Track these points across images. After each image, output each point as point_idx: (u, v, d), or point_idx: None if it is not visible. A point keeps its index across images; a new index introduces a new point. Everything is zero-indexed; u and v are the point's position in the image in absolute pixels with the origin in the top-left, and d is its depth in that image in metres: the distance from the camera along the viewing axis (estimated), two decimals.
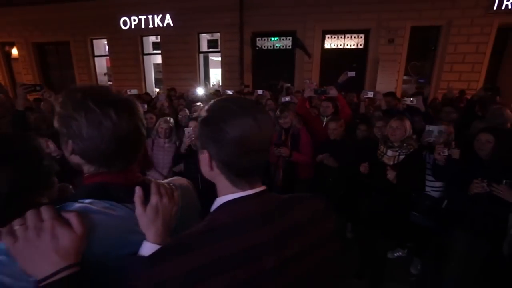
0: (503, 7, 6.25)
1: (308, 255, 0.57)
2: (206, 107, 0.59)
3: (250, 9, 7.67)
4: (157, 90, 10.05)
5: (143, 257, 0.53)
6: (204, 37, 8.92)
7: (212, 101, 0.60)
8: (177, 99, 5.35)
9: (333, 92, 2.66)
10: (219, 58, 9.10)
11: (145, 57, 9.58)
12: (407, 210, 2.20)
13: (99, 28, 9.30)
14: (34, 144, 0.72)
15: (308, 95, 2.93)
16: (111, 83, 10.34)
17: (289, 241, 0.56)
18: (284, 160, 2.46)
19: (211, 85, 10.10)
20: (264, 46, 8.11)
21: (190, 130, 2.17)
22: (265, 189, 0.59)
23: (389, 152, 2.13)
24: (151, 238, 0.57)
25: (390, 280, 2.33)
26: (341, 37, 7.74)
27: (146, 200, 0.59)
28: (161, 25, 8.68)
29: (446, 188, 2.23)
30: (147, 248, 0.56)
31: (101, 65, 10.39)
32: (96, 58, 10.11)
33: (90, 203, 0.57)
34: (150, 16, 8.70)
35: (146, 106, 3.45)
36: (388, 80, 7.16)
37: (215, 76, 10.26)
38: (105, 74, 10.54)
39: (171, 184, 0.68)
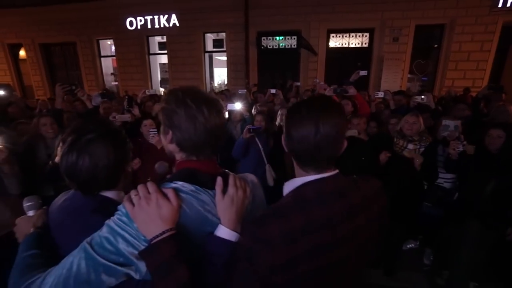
0: (508, 5, 6.32)
1: (371, 224, 0.69)
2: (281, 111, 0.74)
3: (255, 9, 7.76)
4: (163, 90, 10.17)
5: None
6: (210, 37, 9.01)
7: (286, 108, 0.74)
8: None
9: (352, 91, 2.74)
10: (223, 57, 9.20)
11: (151, 57, 9.68)
12: (420, 202, 2.32)
13: (105, 29, 9.40)
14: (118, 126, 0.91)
15: (329, 94, 3.00)
16: (116, 83, 10.47)
17: (358, 213, 0.67)
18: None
19: (216, 85, 10.19)
20: (269, 46, 8.20)
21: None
22: (338, 172, 0.71)
23: (410, 146, 2.25)
24: (225, 222, 0.67)
25: (404, 269, 2.45)
26: (345, 36, 7.83)
27: (224, 189, 0.70)
28: (167, 25, 8.77)
29: (458, 180, 2.34)
30: (222, 231, 0.67)
31: (108, 65, 10.49)
32: (102, 59, 10.21)
33: (181, 185, 0.68)
34: (156, 16, 8.79)
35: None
36: (392, 78, 7.25)
37: (219, 75, 10.35)
38: (111, 74, 10.65)
39: (244, 179, 0.79)
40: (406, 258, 2.62)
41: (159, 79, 10.27)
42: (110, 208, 0.73)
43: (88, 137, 0.75)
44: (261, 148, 2.52)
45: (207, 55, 9.19)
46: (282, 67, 8.21)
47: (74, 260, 0.61)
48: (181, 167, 0.74)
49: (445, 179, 2.38)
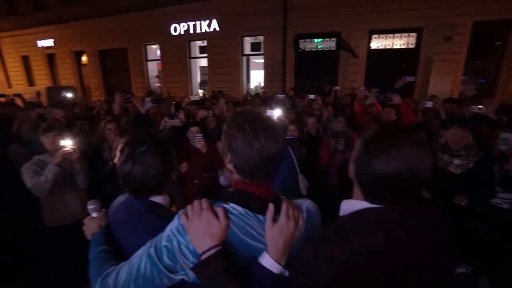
0: None
1: (436, 255, 0.66)
2: (370, 133, 0.70)
3: (294, 12, 7.73)
4: (201, 91, 10.66)
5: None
6: (247, 40, 9.21)
7: (374, 130, 0.69)
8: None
9: (397, 99, 2.60)
10: (259, 60, 9.33)
11: (191, 60, 10.21)
12: (470, 221, 2.11)
13: (152, 35, 10.17)
14: (163, 137, 1.02)
15: (370, 102, 2.91)
16: (160, 84, 11.25)
17: (421, 243, 0.64)
18: (340, 163, 2.52)
19: (252, 87, 10.36)
20: (307, 48, 8.11)
21: None
22: (401, 202, 0.68)
23: (456, 161, 2.07)
24: (270, 252, 0.67)
25: None
26: (389, 37, 7.39)
27: (276, 216, 0.69)
28: (207, 30, 9.18)
29: None
30: (265, 259, 0.67)
31: (153, 68, 11.33)
32: (148, 62, 11.07)
33: (232, 206, 0.72)
34: (198, 22, 9.26)
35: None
36: (442, 82, 6.64)
37: (256, 77, 10.51)
38: (156, 76, 11.47)
39: (299, 207, 0.77)
40: (457, 284, 2.39)
41: (199, 81, 10.78)
42: (160, 211, 0.90)
43: (141, 149, 0.87)
44: (294, 158, 2.53)
45: (244, 58, 9.40)
46: (319, 70, 8.05)
47: (141, 263, 0.71)
48: (236, 187, 0.77)
49: (503, 199, 2.13)
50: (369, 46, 7.56)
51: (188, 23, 9.40)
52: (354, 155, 0.72)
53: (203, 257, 0.65)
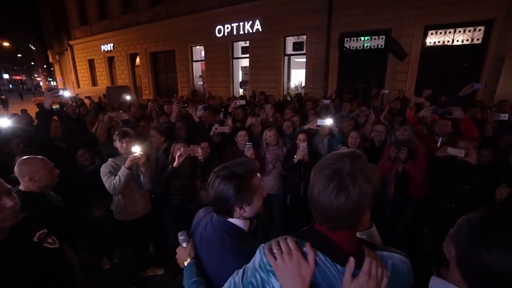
0: None
1: None
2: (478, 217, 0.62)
3: (340, 10, 7.43)
4: (241, 90, 10.92)
5: None
6: (290, 40, 9.13)
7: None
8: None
9: (458, 113, 2.36)
10: (301, 59, 9.18)
11: (234, 60, 10.50)
12: None
13: (198, 37, 10.70)
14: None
15: (424, 115, 2.69)
16: (202, 83, 11.81)
17: None
18: (397, 174, 2.41)
19: (293, 86, 10.28)
20: (353, 47, 7.74)
21: (305, 145, 2.40)
22: None
23: None
24: None
25: None
26: (449, 32, 6.66)
27: (356, 270, 0.64)
28: (250, 30, 9.33)
29: None
30: None
31: (197, 68, 11.93)
32: (193, 63, 11.69)
33: (315, 252, 0.67)
34: (241, 23, 9.47)
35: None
36: None
37: (296, 77, 10.39)
38: (199, 76, 12.07)
39: (384, 263, 0.67)
40: None
41: (240, 81, 11.04)
42: (241, 234, 0.98)
43: (222, 174, 0.95)
44: None
45: (286, 57, 9.36)
46: (365, 70, 7.62)
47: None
48: (317, 229, 0.72)
49: None
50: (423, 43, 6.92)
51: (232, 24, 9.66)
52: (456, 237, 0.64)
53: None
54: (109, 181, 1.98)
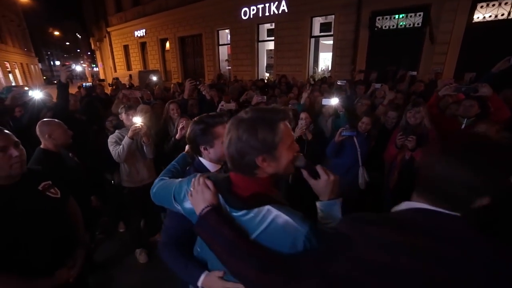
0: None
1: None
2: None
3: None
4: (267, 75, 10.77)
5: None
6: (317, 21, 8.68)
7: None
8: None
9: (485, 90, 2.04)
10: (329, 42, 8.71)
11: (259, 44, 10.32)
12: None
13: (224, 20, 10.65)
14: None
15: (445, 93, 2.40)
16: (229, 67, 11.85)
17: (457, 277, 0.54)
18: (402, 162, 2.22)
19: (319, 70, 9.86)
20: (385, 26, 7.12)
21: (303, 122, 2.35)
22: (457, 215, 0.63)
23: None
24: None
25: None
26: (504, 4, 5.75)
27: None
28: (276, 12, 9.03)
29: None
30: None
31: (223, 52, 11.96)
32: (220, 47, 11.73)
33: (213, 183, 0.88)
34: (267, 5, 9.19)
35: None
36: None
37: (324, 60, 9.92)
38: (226, 60, 12.12)
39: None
40: None
41: (265, 64, 10.88)
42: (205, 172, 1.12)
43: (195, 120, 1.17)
44: (358, 149, 2.35)
45: (313, 40, 8.95)
46: (397, 51, 6.99)
47: (172, 184, 0.98)
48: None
49: None
50: (469, 19, 6.10)
51: (258, 6, 9.43)
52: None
53: (199, 216, 0.80)
54: (115, 150, 2.14)
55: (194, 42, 12.64)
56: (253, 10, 9.60)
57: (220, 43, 11.64)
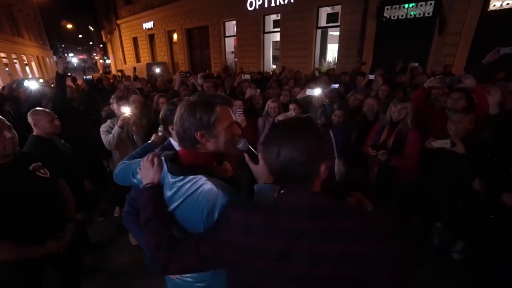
0: None
1: (346, 265, 0.57)
2: None
3: None
4: (274, 67, 10.67)
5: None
6: (324, 11, 8.48)
7: None
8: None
9: (469, 82, 1.98)
10: (338, 33, 8.52)
11: (265, 35, 10.21)
12: None
13: (230, 11, 10.56)
14: None
15: (429, 85, 2.33)
16: (235, 59, 11.81)
17: (327, 241, 0.58)
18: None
19: (326, 63, 9.68)
20: (394, 16, 6.88)
21: (292, 112, 2.37)
22: (317, 192, 0.70)
23: None
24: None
25: None
26: None
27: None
28: (282, 2, 8.87)
29: None
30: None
31: (230, 44, 11.91)
32: (226, 39, 11.67)
33: (160, 161, 0.96)
34: None
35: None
36: None
37: (333, 52, 9.71)
38: (232, 52, 12.06)
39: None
40: None
41: (271, 56, 10.77)
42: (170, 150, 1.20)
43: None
44: (333, 141, 2.34)
45: (319, 31, 8.77)
46: (406, 43, 6.75)
47: (132, 165, 1.07)
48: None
49: None
50: (485, 7, 5.80)
51: None
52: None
53: (142, 189, 0.93)
54: (106, 138, 2.22)
55: (201, 34, 12.63)
56: (259, 0, 9.47)
57: (226, 35, 11.59)
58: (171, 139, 1.31)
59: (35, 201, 1.37)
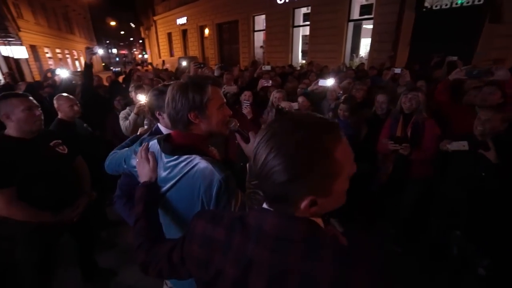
0: None
1: None
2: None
3: None
4: (303, 61, 10.40)
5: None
6: (357, 3, 8.03)
7: None
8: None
9: (502, 74, 1.72)
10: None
11: (294, 29, 9.99)
12: None
13: (260, 5, 10.49)
14: None
15: (454, 77, 2.07)
16: (264, 54, 11.74)
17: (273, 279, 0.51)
18: (398, 155, 2.01)
19: (358, 58, 9.18)
20: (436, 6, 6.27)
21: (295, 104, 2.31)
22: (283, 213, 0.55)
23: None
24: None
25: None
26: None
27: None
28: None
29: None
30: None
31: (259, 39, 11.87)
32: (255, 33, 11.65)
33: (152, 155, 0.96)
34: None
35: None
36: None
37: (366, 47, 9.17)
38: (260, 47, 12.02)
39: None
40: None
41: (300, 51, 10.51)
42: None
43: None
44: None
45: (351, 24, 8.35)
46: (449, 36, 6.11)
47: (123, 153, 1.10)
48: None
49: None
50: None
51: None
52: None
53: (139, 185, 0.93)
54: (124, 124, 2.37)
55: (231, 29, 12.77)
56: None
57: (255, 29, 11.57)
58: (159, 124, 1.34)
59: (52, 173, 1.53)
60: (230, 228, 0.59)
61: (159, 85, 1.35)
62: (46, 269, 1.60)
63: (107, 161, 1.18)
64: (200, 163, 0.84)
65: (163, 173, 0.90)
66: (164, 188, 0.90)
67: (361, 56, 9.22)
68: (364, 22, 8.31)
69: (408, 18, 6.64)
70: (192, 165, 0.85)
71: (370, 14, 7.69)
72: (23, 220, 1.44)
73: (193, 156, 0.86)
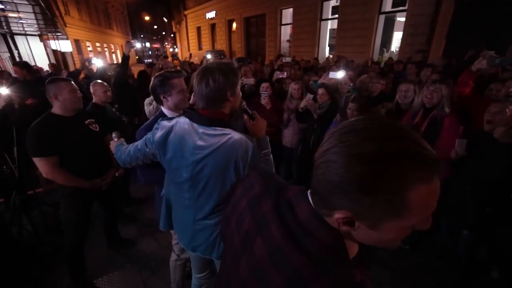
0: None
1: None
2: None
3: None
4: (331, 56, 10.12)
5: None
6: None
7: None
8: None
9: None
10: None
11: (322, 23, 9.76)
12: None
13: None
14: None
15: (478, 67, 1.93)
16: (291, 48, 11.60)
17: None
18: None
19: (389, 52, 8.72)
20: None
21: (311, 96, 2.33)
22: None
23: None
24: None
25: None
26: None
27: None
28: None
29: None
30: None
31: (286, 32, 11.76)
32: (282, 27, 11.55)
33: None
34: None
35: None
36: None
37: (398, 41, 8.68)
38: (287, 41, 11.90)
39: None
40: None
41: (327, 45, 10.24)
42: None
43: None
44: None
45: (382, 17, 7.95)
46: (493, 29, 5.57)
47: (139, 144, 1.22)
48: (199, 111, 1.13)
49: None
50: None
51: None
52: None
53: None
54: (148, 109, 2.58)
55: (258, 23, 12.78)
56: None
57: (282, 23, 11.47)
58: (162, 107, 1.47)
59: (86, 147, 1.78)
60: (266, 190, 0.61)
61: (162, 71, 1.47)
62: (81, 228, 1.87)
63: (122, 158, 1.33)
64: (234, 135, 0.99)
65: (199, 142, 1.02)
66: (201, 155, 1.02)
67: (391, 51, 8.76)
68: (398, 14, 7.87)
69: (446, 9, 6.18)
70: (228, 136, 0.99)
71: (404, 5, 7.26)
72: (63, 184, 1.72)
73: (227, 130, 1.01)
